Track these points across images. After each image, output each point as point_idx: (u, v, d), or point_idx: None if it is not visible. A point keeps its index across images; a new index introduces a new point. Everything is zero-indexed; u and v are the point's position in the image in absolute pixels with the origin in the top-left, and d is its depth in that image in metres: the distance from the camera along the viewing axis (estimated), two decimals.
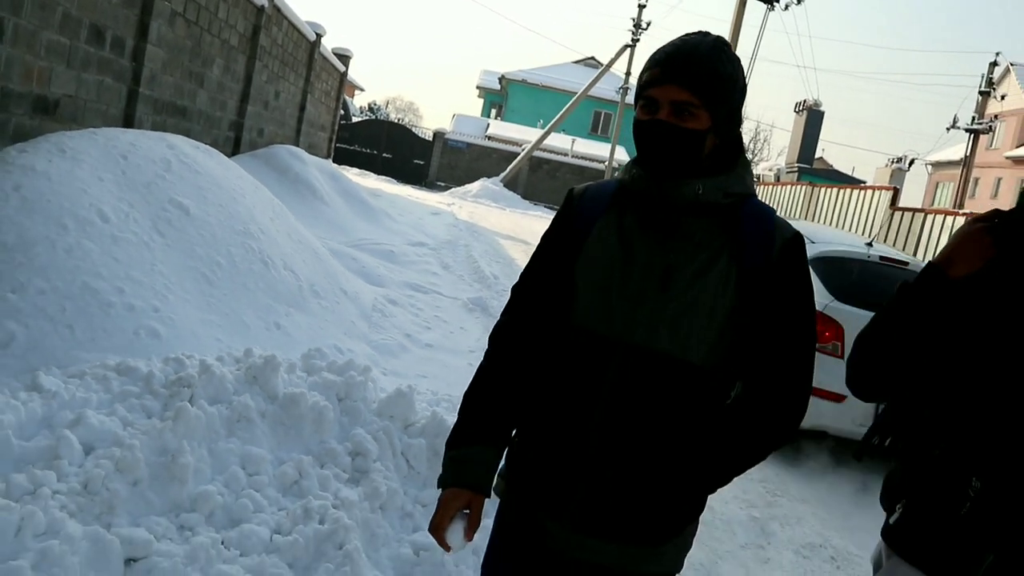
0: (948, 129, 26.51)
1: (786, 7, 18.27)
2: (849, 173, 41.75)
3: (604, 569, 1.75)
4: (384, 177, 26.92)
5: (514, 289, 1.90)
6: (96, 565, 2.33)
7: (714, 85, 1.67)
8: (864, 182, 31.20)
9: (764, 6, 17.81)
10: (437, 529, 1.77)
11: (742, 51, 20.27)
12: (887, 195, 15.14)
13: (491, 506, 1.85)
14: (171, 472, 2.78)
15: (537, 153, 32.64)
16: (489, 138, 36.87)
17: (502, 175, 31.19)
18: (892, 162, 25.75)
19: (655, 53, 1.72)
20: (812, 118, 32.75)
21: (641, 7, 34.41)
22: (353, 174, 20.14)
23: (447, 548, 1.77)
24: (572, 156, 34.14)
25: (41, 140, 5.08)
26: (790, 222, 1.80)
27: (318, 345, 4.40)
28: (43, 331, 3.79)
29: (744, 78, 1.76)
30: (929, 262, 1.70)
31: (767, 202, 20.65)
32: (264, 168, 10.59)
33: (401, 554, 3.19)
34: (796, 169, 31.60)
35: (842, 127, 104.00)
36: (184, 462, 2.80)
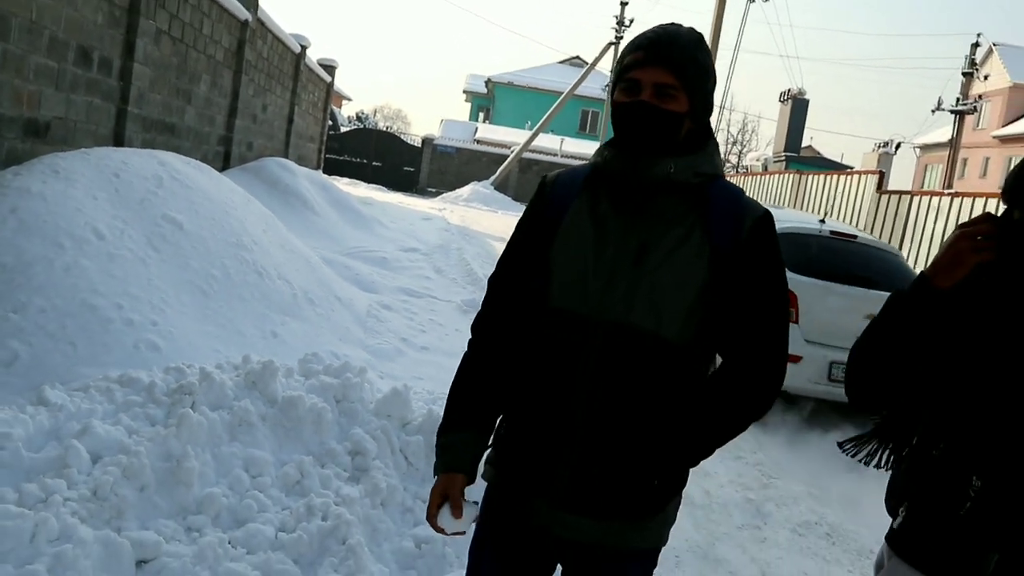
0: (933, 111, 26.67)
1: None
2: (837, 160, 41.91)
3: (589, 546, 1.81)
4: (374, 185, 27.01)
5: (491, 280, 1.95)
6: (108, 567, 2.43)
7: (694, 70, 1.74)
8: (852, 168, 31.36)
9: None
10: (429, 516, 1.84)
11: (724, 43, 20.39)
12: (873, 179, 15.27)
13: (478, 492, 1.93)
14: (177, 476, 2.88)
15: (526, 154, 32.76)
16: (478, 142, 36.97)
17: (492, 178, 31.30)
18: (879, 147, 25.88)
19: (637, 38, 1.78)
20: (797, 107, 32.93)
21: (623, 4, 34.55)
22: (343, 184, 20.22)
23: (442, 531, 1.84)
24: (561, 156, 34.25)
25: (35, 162, 5.17)
26: (772, 210, 1.88)
27: (314, 351, 4.49)
28: (45, 349, 3.88)
29: (715, 69, 1.84)
30: (921, 272, 1.69)
31: (756, 192, 20.81)
32: (254, 181, 10.67)
33: (403, 547, 3.29)
34: (783, 158, 31.76)
35: (830, 115, 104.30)
36: (189, 466, 2.90)
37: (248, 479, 3.12)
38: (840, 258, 7.22)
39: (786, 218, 7.55)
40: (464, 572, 2.15)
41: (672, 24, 1.80)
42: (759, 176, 21.82)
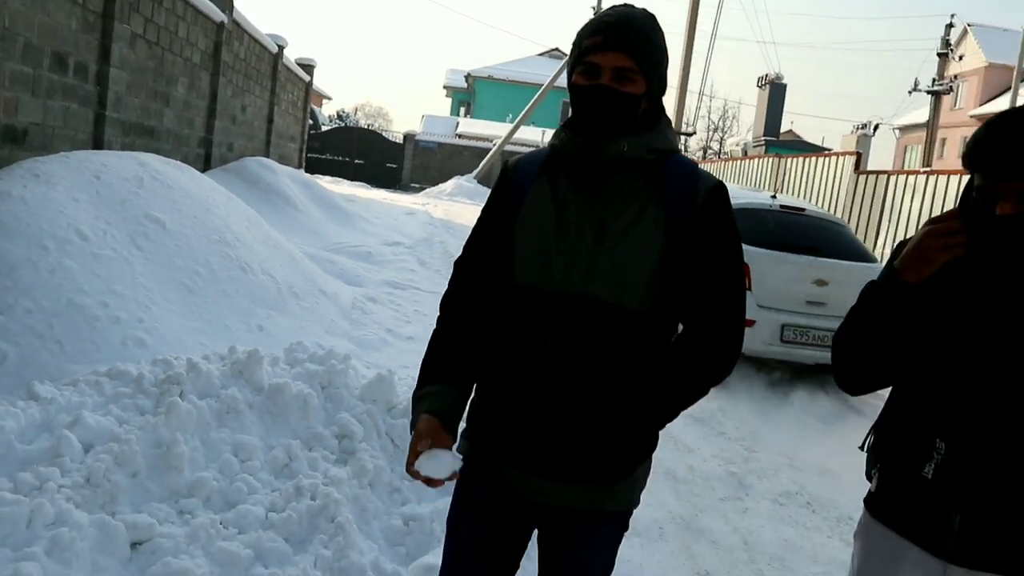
0: (910, 93, 26.88)
1: None
2: (818, 143, 42.17)
3: (562, 510, 1.89)
4: (358, 183, 26.99)
5: (457, 262, 2.03)
6: (104, 549, 2.51)
7: (651, 52, 1.80)
8: (831, 150, 31.61)
9: None
10: (408, 464, 1.84)
11: (700, 30, 20.51)
12: (851, 160, 15.41)
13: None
14: (167, 462, 2.96)
15: (509, 147, 32.78)
16: (459, 136, 37.01)
17: (475, 172, 31.34)
18: (857, 129, 26.09)
19: (593, 22, 1.83)
20: (775, 91, 33.14)
21: None
22: (326, 182, 20.21)
23: (420, 477, 1.80)
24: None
25: (14, 167, 5.22)
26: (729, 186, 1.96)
27: (300, 342, 4.57)
28: (34, 348, 3.95)
29: (667, 48, 1.89)
30: (892, 265, 1.77)
31: (736, 176, 20.93)
32: (236, 181, 10.71)
33: (392, 525, 3.38)
34: (763, 142, 31.95)
35: (810, 99, 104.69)
36: (179, 452, 2.98)
37: (237, 463, 3.21)
38: (790, 230, 7.79)
39: (741, 195, 8.14)
40: None
41: (627, 6, 1.85)
42: (739, 161, 21.96)
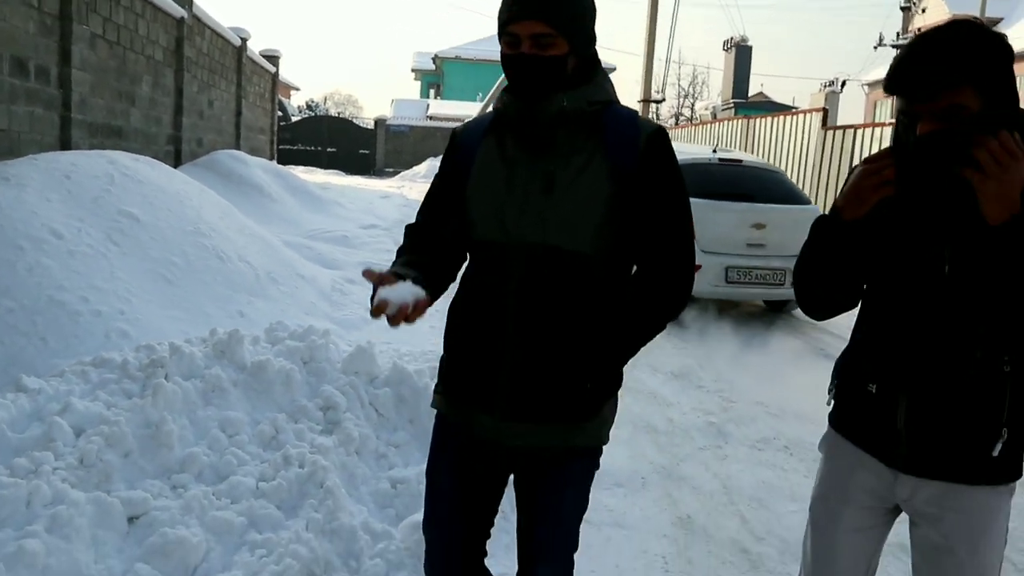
0: (876, 48, 27.02)
1: None
2: (789, 103, 42.29)
3: (535, 450, 2.00)
4: (332, 171, 26.93)
5: (408, 225, 2.13)
6: (103, 524, 2.62)
7: (567, 13, 1.84)
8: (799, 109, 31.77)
9: None
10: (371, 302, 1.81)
11: None
12: (818, 117, 15.56)
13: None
14: (158, 440, 3.07)
15: None
16: (431, 118, 36.90)
17: None
18: (825, 86, 26.21)
19: None
20: (741, 54, 33.25)
21: None
22: (300, 172, 20.19)
23: (381, 304, 1.76)
24: None
25: None
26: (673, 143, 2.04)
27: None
28: (19, 345, 4.03)
29: (593, 1, 1.95)
30: (834, 203, 1.87)
31: (707, 140, 21.04)
32: (207, 175, 10.72)
33: (380, 489, 3.50)
34: (732, 105, 32.03)
35: (778, 60, 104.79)
36: (168, 430, 3.09)
37: (225, 438, 3.31)
38: (729, 180, 8.52)
39: (684, 151, 8.69)
40: None
41: None
42: (708, 124, 22.08)
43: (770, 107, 36.14)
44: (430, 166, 28.99)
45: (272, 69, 20.29)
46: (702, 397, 6.04)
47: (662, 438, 5.14)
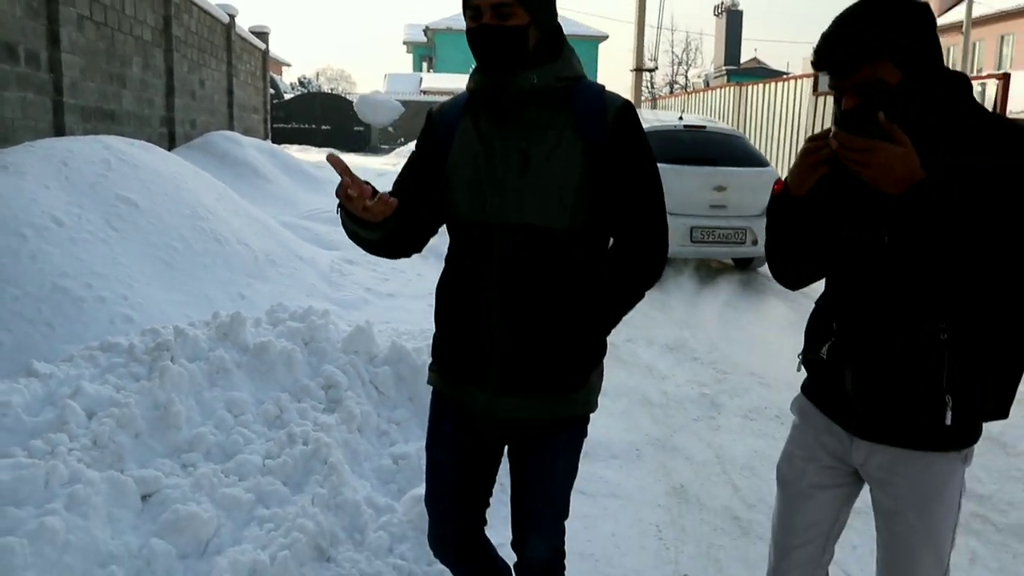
0: None
1: None
2: (783, 69, 42.16)
3: (527, 421, 2.09)
4: (326, 149, 26.89)
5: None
6: (117, 502, 2.73)
7: None
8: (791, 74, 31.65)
9: None
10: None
11: None
12: (808, 82, 15.58)
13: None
14: (166, 421, 3.18)
15: None
16: (424, 92, 36.75)
17: None
18: None
19: None
20: (732, 19, 33.00)
21: None
22: (295, 151, 20.18)
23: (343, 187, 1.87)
24: None
25: None
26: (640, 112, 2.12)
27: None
28: (26, 333, 4.11)
29: None
30: (785, 179, 1.95)
31: (699, 108, 21.02)
32: (202, 156, 10.76)
33: (382, 465, 3.62)
34: (724, 72, 31.85)
35: (772, 25, 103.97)
36: (176, 411, 3.20)
37: (231, 418, 3.42)
38: (693, 145, 9.08)
39: (651, 118, 9.67)
40: None
41: None
42: (701, 93, 22.05)
43: (764, 73, 36.05)
44: None
45: (262, 46, 20.20)
46: (696, 369, 6.16)
47: (657, 410, 5.26)
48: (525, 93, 1.95)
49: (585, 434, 2.22)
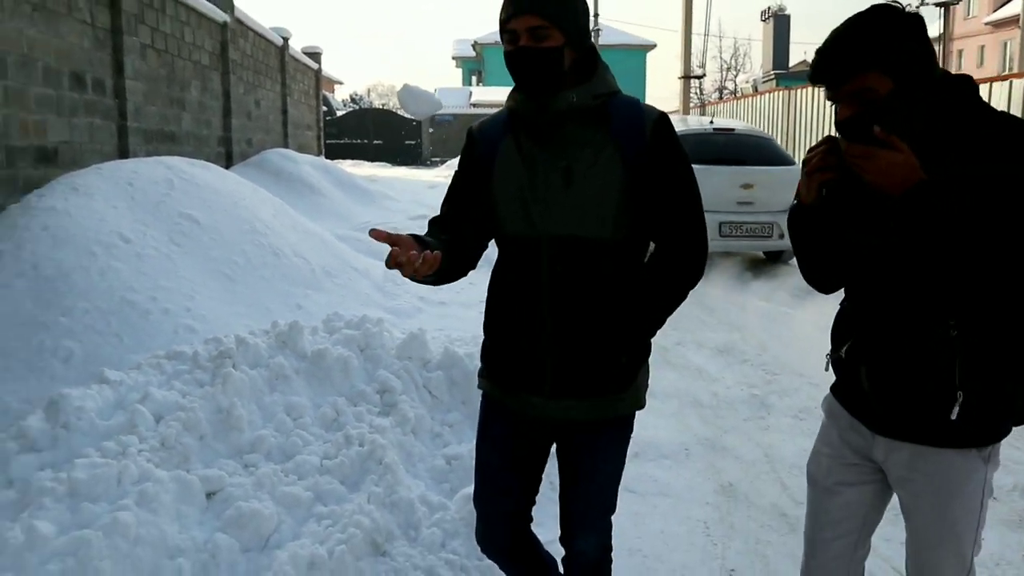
0: (918, 7, 26.41)
1: None
2: None
3: (578, 422, 2.18)
4: (379, 163, 27.29)
5: (431, 219, 2.28)
6: (184, 499, 2.89)
7: (557, 7, 1.98)
8: None
9: None
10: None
11: None
12: None
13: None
14: (229, 424, 3.34)
15: None
16: (474, 105, 37.05)
17: None
18: None
19: None
20: (779, 24, 32.70)
21: None
22: (348, 166, 20.54)
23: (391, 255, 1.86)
24: None
25: (54, 183, 5.60)
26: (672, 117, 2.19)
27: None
28: (96, 344, 4.33)
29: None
30: (798, 190, 2.06)
31: (748, 114, 20.85)
32: (258, 174, 11.07)
33: (435, 465, 3.73)
34: (772, 76, 31.51)
35: (817, 28, 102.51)
36: (238, 415, 3.36)
37: (291, 421, 3.58)
38: (722, 146, 9.80)
39: (683, 124, 10.58)
40: None
41: None
42: (750, 99, 21.86)
43: None
44: None
45: (315, 66, 20.65)
46: (746, 371, 6.17)
47: (707, 411, 5.29)
48: (564, 112, 2.03)
49: (631, 431, 2.29)
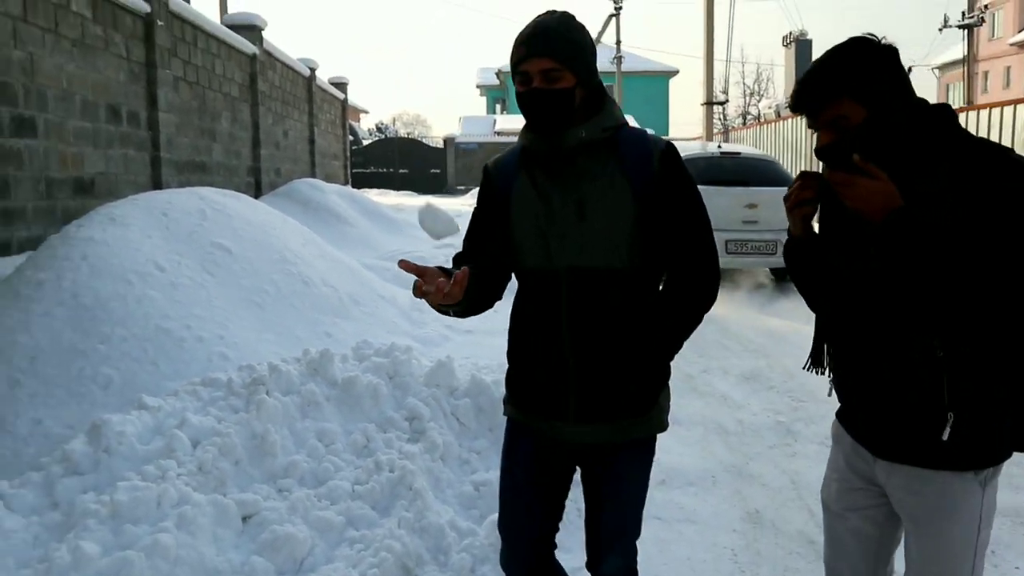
0: (940, 30, 26.37)
1: None
2: None
3: (600, 445, 2.24)
4: (404, 192, 27.54)
5: (456, 255, 2.36)
6: (221, 522, 2.98)
7: (569, 50, 2.06)
8: None
9: None
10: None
11: None
12: None
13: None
14: (263, 449, 3.43)
15: None
16: (498, 134, 37.33)
17: None
18: None
19: (518, 36, 2.09)
20: (801, 49, 32.69)
21: None
22: (374, 194, 20.75)
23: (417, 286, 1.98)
24: None
25: (93, 214, 5.76)
26: (678, 143, 2.26)
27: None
28: (133, 371, 4.45)
29: (591, 39, 2.20)
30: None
31: (771, 140, 20.85)
32: (287, 203, 11.24)
33: (464, 491, 3.79)
34: None
35: None
36: (272, 440, 3.45)
37: (322, 447, 3.66)
38: (728, 169, 10.53)
39: (691, 148, 11.53)
40: None
41: (545, 15, 2.12)
42: (772, 124, 21.87)
43: None
44: None
45: (341, 96, 20.95)
46: (772, 398, 6.17)
47: (732, 438, 5.30)
48: (574, 147, 2.11)
49: (653, 454, 2.34)
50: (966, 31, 25.88)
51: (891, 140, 1.86)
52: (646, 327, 2.16)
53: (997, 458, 1.91)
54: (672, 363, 2.28)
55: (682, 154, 2.24)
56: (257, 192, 12.63)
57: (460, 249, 2.40)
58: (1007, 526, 3.95)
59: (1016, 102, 12.11)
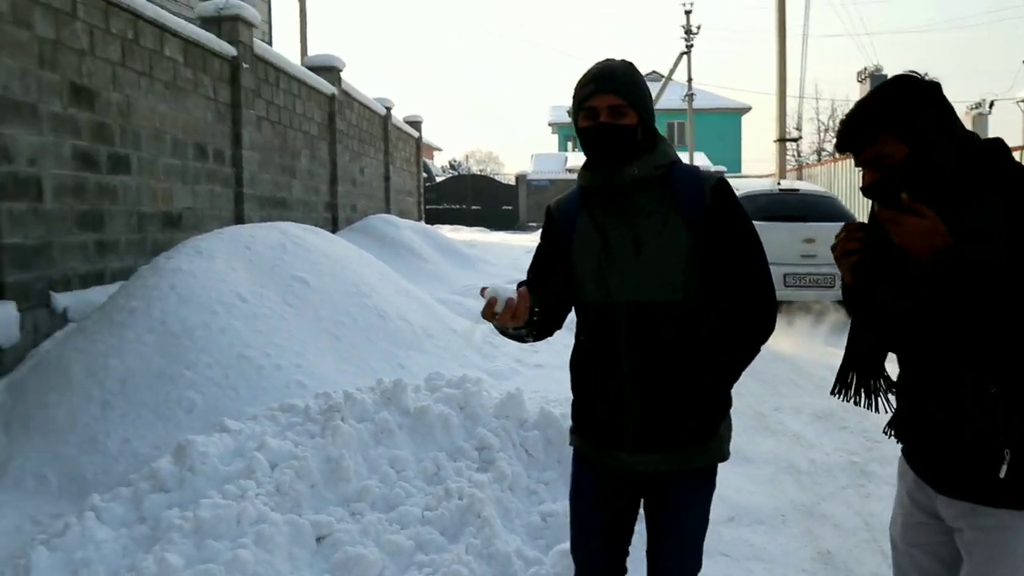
0: (1019, 103, 25.39)
1: None
2: None
3: (663, 474, 2.28)
4: (476, 228, 27.82)
5: (519, 284, 2.41)
6: (296, 541, 3.09)
7: (635, 90, 2.18)
8: None
9: None
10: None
11: (790, 32, 20.23)
12: None
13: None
14: (337, 474, 3.55)
15: None
16: (570, 171, 37.50)
17: None
18: (972, 108, 24.77)
19: (585, 75, 2.21)
20: (876, 83, 32.25)
21: (688, 13, 34.99)
22: (446, 230, 21.06)
23: (488, 306, 2.14)
24: None
25: (180, 246, 6.05)
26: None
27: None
28: (215, 396, 4.64)
29: (648, 88, 2.29)
30: None
31: (846, 178, 20.48)
32: (363, 238, 11.52)
33: (531, 522, 3.83)
34: None
35: None
36: (346, 465, 3.57)
37: (394, 474, 3.77)
38: (787, 205, 10.84)
39: (751, 185, 11.95)
40: None
41: (608, 59, 2.25)
42: (843, 161, 21.50)
43: None
44: None
45: (415, 134, 21.40)
46: (845, 438, 6.06)
47: (804, 477, 5.22)
48: (628, 184, 2.20)
49: (714, 486, 2.38)
50: None
51: (936, 177, 1.87)
52: (703, 358, 2.21)
53: None
54: (744, 401, 2.31)
55: (742, 191, 2.30)
56: (334, 227, 12.98)
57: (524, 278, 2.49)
58: None
59: None
